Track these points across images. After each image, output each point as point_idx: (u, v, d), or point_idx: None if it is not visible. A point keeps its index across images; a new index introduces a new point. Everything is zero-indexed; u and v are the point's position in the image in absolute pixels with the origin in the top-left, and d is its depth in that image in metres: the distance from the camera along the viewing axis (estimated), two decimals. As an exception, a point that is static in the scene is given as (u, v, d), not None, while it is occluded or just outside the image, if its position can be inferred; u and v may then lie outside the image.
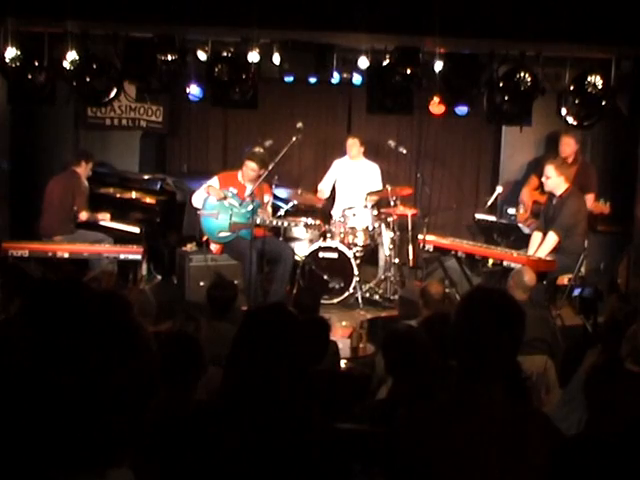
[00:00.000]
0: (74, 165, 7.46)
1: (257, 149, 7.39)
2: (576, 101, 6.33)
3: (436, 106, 7.18)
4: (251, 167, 7.29)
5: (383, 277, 7.98)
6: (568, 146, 7.58)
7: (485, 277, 7.33)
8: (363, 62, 6.55)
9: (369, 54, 6.52)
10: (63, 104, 6.67)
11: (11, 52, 6.00)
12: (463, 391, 2.17)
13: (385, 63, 6.36)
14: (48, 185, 7.37)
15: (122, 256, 7.02)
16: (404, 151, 8.17)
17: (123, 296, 2.82)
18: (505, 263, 6.53)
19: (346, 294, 7.57)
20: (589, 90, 6.21)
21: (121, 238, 7.42)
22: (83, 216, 7.43)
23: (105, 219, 7.64)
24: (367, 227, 7.81)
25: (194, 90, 6.73)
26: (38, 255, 6.85)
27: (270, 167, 7.22)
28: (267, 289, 7.29)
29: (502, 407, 2.11)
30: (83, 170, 7.49)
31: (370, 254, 8.20)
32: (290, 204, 7.88)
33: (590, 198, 7.21)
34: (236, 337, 2.36)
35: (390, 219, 7.92)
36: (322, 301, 7.27)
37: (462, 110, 6.89)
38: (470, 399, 2.14)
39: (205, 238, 7.44)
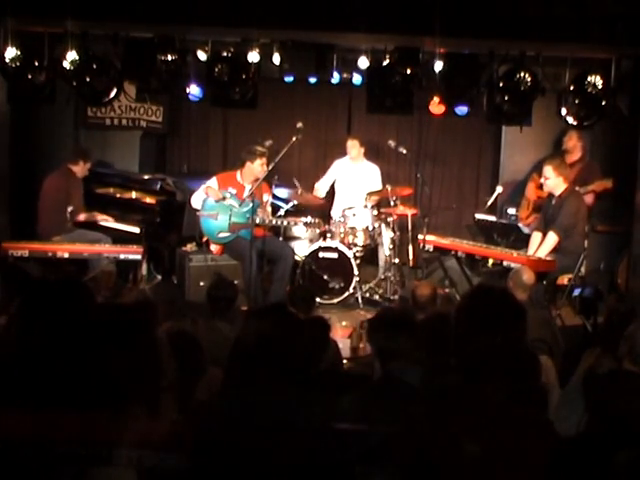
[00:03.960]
0: (71, 163, 7.39)
1: (258, 147, 7.38)
2: (576, 101, 6.32)
3: (436, 106, 7.18)
4: (260, 163, 7.27)
5: (383, 277, 7.98)
6: (570, 140, 7.70)
7: (485, 277, 7.33)
8: (363, 62, 6.56)
9: (369, 54, 6.52)
10: (63, 104, 6.66)
11: (11, 52, 5.99)
12: (463, 391, 2.17)
13: (385, 63, 6.35)
14: (43, 185, 7.32)
15: (122, 256, 7.01)
16: (404, 151, 8.17)
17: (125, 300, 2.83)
18: (505, 263, 6.53)
19: (346, 294, 7.56)
20: (589, 90, 6.21)
21: (121, 238, 7.41)
22: (81, 217, 7.43)
23: (105, 220, 7.62)
24: (367, 227, 7.81)
25: (194, 90, 6.73)
26: (38, 255, 6.84)
27: (270, 167, 7.23)
28: (267, 289, 7.29)
29: (502, 407, 2.12)
30: (80, 169, 7.42)
31: (370, 254, 8.20)
32: (290, 204, 7.88)
33: (588, 197, 7.26)
34: (237, 337, 2.37)
35: (390, 219, 7.92)
36: (322, 301, 7.31)
37: (462, 110, 6.89)
38: (470, 399, 2.14)
39: (205, 238, 7.44)
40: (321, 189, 8.43)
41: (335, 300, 7.54)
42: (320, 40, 6.52)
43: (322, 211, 8.46)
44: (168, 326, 4.55)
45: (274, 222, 7.44)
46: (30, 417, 1.75)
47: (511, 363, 2.16)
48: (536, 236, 6.83)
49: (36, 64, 6.19)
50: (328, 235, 7.82)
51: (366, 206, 7.90)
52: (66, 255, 6.86)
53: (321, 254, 7.62)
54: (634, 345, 3.26)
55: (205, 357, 3.34)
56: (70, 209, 7.29)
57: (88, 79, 6.27)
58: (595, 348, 3.97)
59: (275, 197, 7.89)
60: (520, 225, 7.74)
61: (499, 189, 8.08)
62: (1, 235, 7.09)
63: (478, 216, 8.25)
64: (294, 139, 7.22)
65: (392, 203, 7.83)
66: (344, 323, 6.99)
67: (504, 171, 8.87)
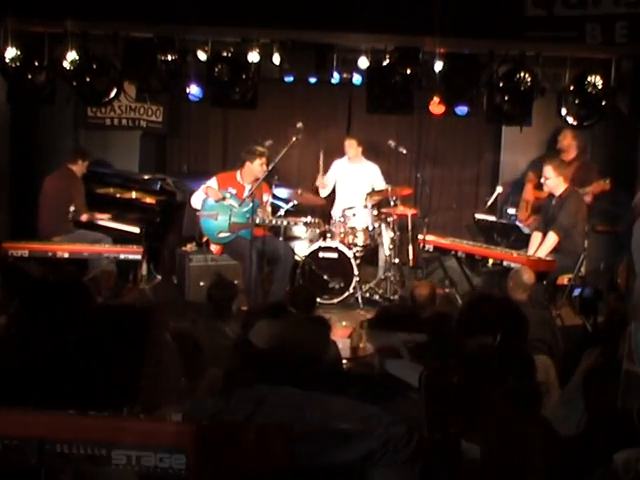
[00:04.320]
0: (70, 162, 7.40)
1: (258, 147, 7.38)
2: (576, 101, 6.33)
3: (436, 106, 7.18)
4: (260, 163, 7.27)
5: (383, 277, 7.98)
6: (565, 138, 7.68)
7: (485, 277, 7.33)
8: (363, 62, 6.56)
9: (369, 54, 6.52)
10: (63, 104, 6.67)
11: (11, 52, 6.00)
12: (463, 391, 2.17)
13: (385, 63, 6.36)
14: (43, 185, 7.33)
15: (122, 256, 7.02)
16: (404, 151, 8.18)
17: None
18: (505, 263, 6.53)
19: (346, 294, 7.56)
20: (589, 90, 6.21)
21: (121, 238, 7.42)
22: (84, 217, 7.43)
23: (104, 219, 7.62)
24: (367, 227, 7.81)
25: (194, 90, 6.73)
26: (38, 255, 6.84)
27: (270, 167, 7.23)
28: (267, 289, 7.29)
29: (501, 407, 2.12)
30: (79, 168, 7.44)
31: (370, 254, 8.20)
32: (290, 204, 7.88)
33: (587, 197, 7.26)
34: (237, 338, 2.37)
35: (390, 219, 7.92)
36: (322, 301, 7.31)
37: (462, 110, 6.89)
38: (470, 399, 2.14)
39: (205, 239, 7.44)
40: (328, 182, 8.39)
41: (335, 300, 7.54)
42: (320, 40, 6.52)
43: (322, 211, 8.46)
44: (168, 327, 4.55)
45: (274, 222, 7.44)
46: (30, 417, 1.75)
47: (508, 364, 2.17)
48: (536, 236, 6.83)
49: (36, 64, 6.20)
50: (328, 235, 7.82)
51: (366, 206, 7.90)
52: (66, 255, 6.86)
53: (321, 254, 7.63)
54: (634, 345, 3.26)
55: (205, 357, 3.33)
56: (72, 209, 7.29)
57: (88, 79, 6.28)
58: (595, 348, 3.97)
59: (275, 197, 7.89)
60: (520, 225, 7.75)
61: (499, 189, 8.09)
62: (1, 235, 7.10)
63: (478, 216, 8.25)
64: (294, 139, 7.22)
65: (392, 203, 7.84)
66: (344, 323, 6.98)
67: (504, 171, 8.88)
